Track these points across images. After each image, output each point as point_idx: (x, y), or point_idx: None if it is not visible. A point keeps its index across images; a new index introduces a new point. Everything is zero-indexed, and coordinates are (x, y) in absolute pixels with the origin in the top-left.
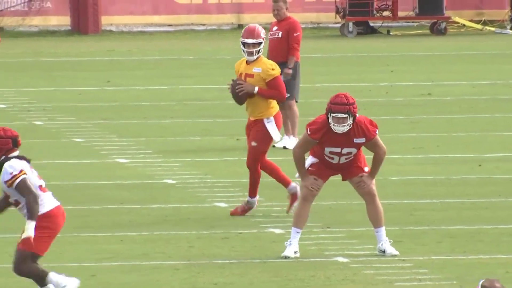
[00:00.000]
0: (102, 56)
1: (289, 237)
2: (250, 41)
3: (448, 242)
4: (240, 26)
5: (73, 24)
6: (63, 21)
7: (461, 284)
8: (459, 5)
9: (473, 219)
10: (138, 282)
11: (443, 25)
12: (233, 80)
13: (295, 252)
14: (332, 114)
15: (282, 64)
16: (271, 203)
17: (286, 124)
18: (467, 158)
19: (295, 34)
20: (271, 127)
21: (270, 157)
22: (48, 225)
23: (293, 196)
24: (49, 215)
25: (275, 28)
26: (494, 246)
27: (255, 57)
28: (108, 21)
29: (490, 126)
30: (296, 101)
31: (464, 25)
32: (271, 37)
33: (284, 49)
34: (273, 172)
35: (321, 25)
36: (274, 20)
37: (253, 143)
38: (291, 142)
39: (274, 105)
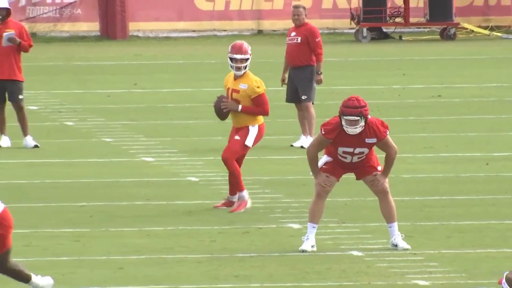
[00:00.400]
0: (129, 60)
1: (307, 232)
2: (238, 56)
3: (457, 237)
4: (260, 32)
5: (102, 30)
6: (92, 27)
7: (469, 277)
8: (468, 11)
9: (481, 215)
10: (162, 275)
11: (452, 30)
12: (217, 97)
13: (312, 246)
14: (344, 117)
15: (300, 69)
16: (290, 199)
17: (303, 124)
18: (475, 157)
19: (316, 40)
20: (251, 134)
21: (288, 156)
22: (4, 223)
23: (243, 203)
24: (2, 216)
25: (293, 33)
26: (501, 241)
27: (242, 72)
28: (135, 27)
29: (497, 127)
30: (313, 103)
31: (472, 30)
32: (289, 42)
33: (302, 53)
34: (236, 174)
35: (336, 30)
36: (291, 26)
37: (237, 137)
38: (308, 142)
39: (259, 118)
